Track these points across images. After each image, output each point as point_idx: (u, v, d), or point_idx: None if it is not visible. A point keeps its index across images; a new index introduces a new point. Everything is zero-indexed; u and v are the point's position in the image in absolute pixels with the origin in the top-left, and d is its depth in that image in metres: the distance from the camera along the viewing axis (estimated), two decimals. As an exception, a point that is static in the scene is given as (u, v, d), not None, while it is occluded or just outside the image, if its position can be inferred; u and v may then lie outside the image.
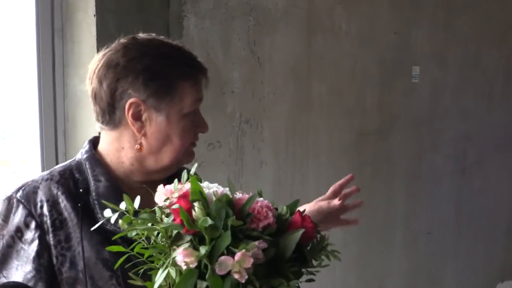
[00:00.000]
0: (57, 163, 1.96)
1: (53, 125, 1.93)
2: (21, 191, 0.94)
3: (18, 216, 0.91)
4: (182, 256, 0.67)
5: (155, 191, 0.83)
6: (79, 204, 0.92)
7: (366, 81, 2.53)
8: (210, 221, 0.67)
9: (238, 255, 0.65)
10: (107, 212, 0.77)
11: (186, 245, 0.69)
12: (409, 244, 2.60)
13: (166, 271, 0.68)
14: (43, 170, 1.92)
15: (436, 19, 2.54)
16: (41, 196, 0.93)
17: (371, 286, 2.62)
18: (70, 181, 0.96)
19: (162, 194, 0.74)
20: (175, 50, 1.00)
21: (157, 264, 0.72)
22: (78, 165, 0.99)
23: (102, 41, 1.91)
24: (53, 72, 1.92)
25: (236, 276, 0.66)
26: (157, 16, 2.27)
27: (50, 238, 0.90)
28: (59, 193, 0.93)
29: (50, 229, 0.90)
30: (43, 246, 0.90)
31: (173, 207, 0.71)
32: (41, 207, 0.91)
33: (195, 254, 0.67)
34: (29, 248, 0.90)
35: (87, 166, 0.98)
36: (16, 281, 0.89)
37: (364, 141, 2.52)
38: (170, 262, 0.68)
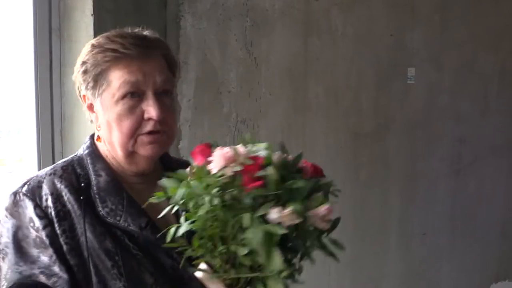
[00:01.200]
0: (53, 163, 1.94)
1: (50, 124, 1.93)
2: (26, 186, 0.97)
3: (27, 208, 0.94)
4: (279, 214, 0.74)
5: (150, 184, 0.96)
6: (81, 197, 0.95)
7: (362, 82, 2.54)
8: (301, 183, 0.76)
9: (326, 209, 0.76)
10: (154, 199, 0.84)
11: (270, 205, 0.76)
12: (404, 245, 2.61)
13: (253, 230, 0.74)
14: (39, 169, 1.91)
15: (432, 22, 2.56)
16: (45, 190, 0.96)
17: None
18: (73, 176, 0.99)
19: (221, 160, 0.78)
20: (113, 37, 1.00)
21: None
22: (80, 160, 1.02)
23: (99, 41, 1.93)
24: (50, 71, 1.91)
25: (324, 226, 0.77)
26: (154, 16, 2.28)
27: (56, 228, 0.93)
28: (62, 186, 0.96)
29: (55, 219, 0.93)
30: (53, 234, 0.93)
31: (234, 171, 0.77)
32: (46, 199, 0.95)
33: (293, 210, 0.74)
34: (43, 234, 0.93)
35: (88, 161, 1.02)
36: (34, 272, 0.91)
37: (359, 142, 2.53)
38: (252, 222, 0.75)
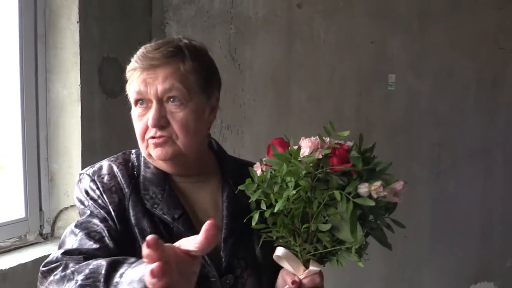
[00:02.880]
0: (38, 169, 1.96)
1: (35, 130, 1.94)
2: (90, 168, 1.11)
3: (84, 183, 1.08)
4: (368, 188, 0.87)
5: (194, 184, 1.10)
6: (133, 181, 1.08)
7: (344, 88, 2.58)
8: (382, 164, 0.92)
9: (401, 184, 0.91)
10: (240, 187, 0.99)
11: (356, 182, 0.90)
12: (386, 248, 2.65)
13: (347, 204, 0.86)
14: (24, 175, 1.92)
15: (411, 30, 2.61)
16: (104, 170, 1.09)
17: (350, 290, 2.67)
18: (129, 164, 1.12)
19: (312, 146, 0.91)
20: (137, 51, 1.08)
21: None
22: (138, 154, 1.14)
23: (85, 47, 1.94)
24: (36, 77, 1.93)
25: (397, 199, 0.92)
26: (139, 23, 2.30)
27: (105, 198, 1.05)
28: (118, 170, 1.09)
29: (107, 192, 1.05)
30: (104, 203, 1.05)
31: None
32: (103, 178, 1.08)
33: (381, 184, 0.88)
34: (96, 203, 1.05)
35: (143, 154, 1.11)
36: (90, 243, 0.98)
37: (342, 147, 2.56)
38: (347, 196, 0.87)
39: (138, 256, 0.91)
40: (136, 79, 1.04)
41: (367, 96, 2.60)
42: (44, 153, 1.98)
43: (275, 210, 0.90)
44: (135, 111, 1.06)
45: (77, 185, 1.11)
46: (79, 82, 1.93)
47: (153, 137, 1.04)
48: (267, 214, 0.93)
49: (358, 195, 0.87)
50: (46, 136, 1.99)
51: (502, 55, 2.71)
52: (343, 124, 2.56)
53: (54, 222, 2.03)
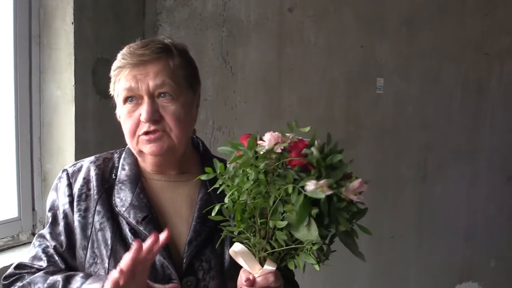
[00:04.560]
0: (32, 168, 1.97)
1: (28, 130, 1.94)
2: (72, 166, 1.14)
3: (62, 184, 1.12)
4: (315, 185, 0.85)
5: (173, 182, 1.11)
6: (106, 186, 1.10)
7: (334, 91, 2.62)
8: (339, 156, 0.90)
9: (359, 182, 0.90)
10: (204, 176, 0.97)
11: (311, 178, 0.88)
12: (373, 248, 2.68)
13: (299, 196, 0.86)
14: (18, 175, 1.92)
15: (399, 35, 2.66)
16: (82, 173, 1.12)
17: (338, 290, 2.71)
18: (108, 166, 1.14)
19: (272, 140, 0.92)
20: (124, 48, 1.10)
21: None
22: (121, 153, 1.17)
23: (79, 48, 1.95)
24: (30, 78, 1.92)
25: (355, 198, 0.89)
26: (133, 25, 2.31)
27: (75, 205, 1.09)
28: (93, 174, 1.11)
29: (77, 199, 1.09)
30: (71, 210, 1.09)
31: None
32: (78, 182, 1.11)
33: (329, 182, 0.86)
34: (62, 208, 1.10)
35: (123, 155, 1.16)
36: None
37: (331, 149, 2.60)
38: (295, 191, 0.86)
39: (99, 259, 1.04)
40: (125, 76, 1.05)
41: (356, 99, 2.65)
42: (37, 153, 1.98)
43: (225, 200, 0.92)
44: (124, 109, 1.07)
45: (57, 182, 1.14)
46: (73, 83, 1.93)
47: (146, 133, 1.05)
48: (225, 206, 0.94)
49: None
50: (40, 136, 1.99)
51: (487, 60, 2.77)
52: (332, 127, 2.60)
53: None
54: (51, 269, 1.06)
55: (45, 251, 1.08)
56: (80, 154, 1.97)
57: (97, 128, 2.06)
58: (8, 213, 1.92)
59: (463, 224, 2.86)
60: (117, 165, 1.14)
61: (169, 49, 1.09)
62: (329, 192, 0.85)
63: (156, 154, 1.06)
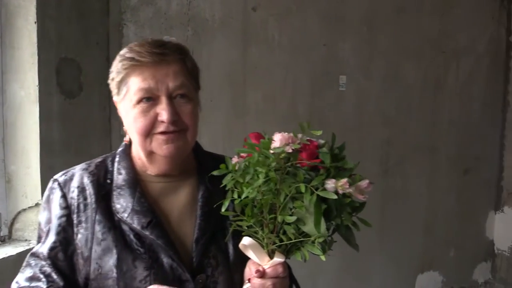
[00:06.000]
0: (-5, 169, 1.95)
1: (-9, 131, 1.92)
2: (63, 176, 1.09)
3: (55, 196, 1.07)
4: (334, 184, 0.92)
5: (175, 184, 1.09)
6: (102, 193, 1.06)
7: (298, 89, 2.68)
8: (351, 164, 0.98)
9: (367, 183, 0.96)
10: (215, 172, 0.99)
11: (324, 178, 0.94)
12: (338, 241, 2.74)
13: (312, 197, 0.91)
14: (-20, 176, 1.90)
15: (361, 33, 2.73)
16: (75, 182, 1.07)
17: (306, 284, 2.75)
18: (102, 172, 1.10)
19: (282, 139, 0.95)
20: (134, 46, 1.05)
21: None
22: (113, 157, 1.13)
23: (42, 48, 1.94)
24: (-8, 78, 1.91)
25: (362, 197, 0.96)
26: (97, 24, 2.30)
27: (74, 218, 1.05)
28: (88, 181, 1.07)
29: (75, 210, 1.05)
30: (69, 223, 1.05)
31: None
32: (73, 191, 1.07)
33: (349, 181, 0.93)
34: (58, 222, 1.05)
35: (116, 159, 1.11)
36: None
37: (296, 145, 2.64)
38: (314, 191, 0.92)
39: (104, 269, 1.02)
40: (141, 75, 1.02)
41: (319, 97, 2.70)
42: (0, 154, 1.95)
43: (242, 197, 0.95)
44: (138, 108, 1.03)
45: (49, 193, 1.09)
46: (37, 83, 1.91)
47: (164, 132, 1.02)
48: (237, 202, 0.97)
49: (324, 190, 0.93)
50: (3, 137, 1.96)
51: (444, 58, 2.88)
52: (296, 124, 2.64)
53: (12, 224, 2.01)
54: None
55: (42, 270, 1.03)
56: (45, 154, 1.95)
57: (62, 128, 2.04)
58: (-28, 215, 1.89)
59: (422, 217, 2.96)
60: (111, 169, 1.10)
61: (184, 49, 1.08)
62: (349, 190, 0.93)
63: (171, 155, 1.05)
